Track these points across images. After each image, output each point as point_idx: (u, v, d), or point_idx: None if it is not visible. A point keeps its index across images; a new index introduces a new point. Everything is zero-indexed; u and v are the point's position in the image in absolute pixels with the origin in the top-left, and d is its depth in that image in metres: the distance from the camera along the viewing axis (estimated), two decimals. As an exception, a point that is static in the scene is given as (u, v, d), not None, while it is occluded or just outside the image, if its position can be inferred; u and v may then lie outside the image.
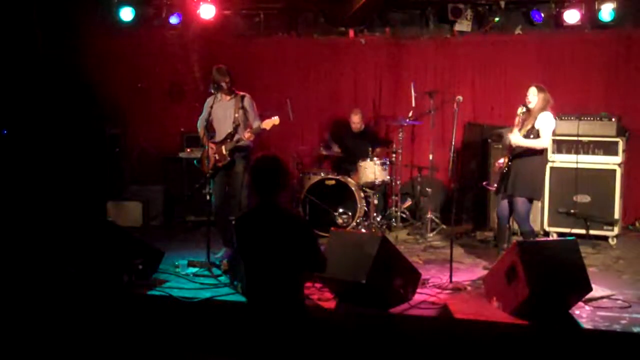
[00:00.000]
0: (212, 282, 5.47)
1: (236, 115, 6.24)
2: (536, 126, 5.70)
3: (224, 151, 6.24)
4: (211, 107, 6.23)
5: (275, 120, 6.17)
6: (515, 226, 6.13)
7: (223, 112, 6.29)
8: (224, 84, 6.20)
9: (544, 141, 5.70)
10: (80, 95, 8.29)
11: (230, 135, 6.24)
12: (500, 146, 7.03)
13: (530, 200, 5.80)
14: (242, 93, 6.35)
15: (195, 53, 8.76)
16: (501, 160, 6.00)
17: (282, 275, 3.60)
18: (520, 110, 5.76)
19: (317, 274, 4.96)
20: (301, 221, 3.74)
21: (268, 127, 6.19)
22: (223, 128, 6.31)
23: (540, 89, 5.77)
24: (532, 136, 5.70)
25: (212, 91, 6.22)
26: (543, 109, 5.73)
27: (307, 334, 3.62)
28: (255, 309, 3.64)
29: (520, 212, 5.74)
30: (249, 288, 3.74)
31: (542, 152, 5.83)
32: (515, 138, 5.70)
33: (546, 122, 5.70)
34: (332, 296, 5.01)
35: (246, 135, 6.19)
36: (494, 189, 6.09)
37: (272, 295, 3.59)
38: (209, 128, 6.32)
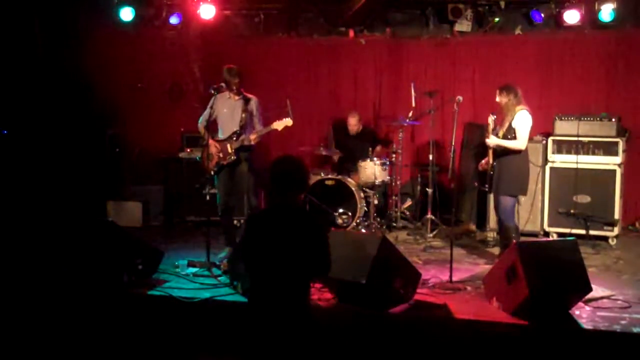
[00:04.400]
0: (212, 282, 5.47)
1: (243, 115, 6.29)
2: (513, 125, 5.78)
3: (229, 149, 6.26)
4: (213, 105, 6.27)
5: (288, 121, 6.25)
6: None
7: (230, 111, 6.32)
8: (233, 85, 6.25)
9: (519, 143, 5.80)
10: (80, 95, 8.29)
11: (236, 134, 6.27)
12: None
13: (515, 197, 5.94)
14: (250, 95, 6.40)
15: (195, 53, 8.77)
16: (483, 162, 6.10)
17: (292, 276, 3.57)
18: (491, 119, 5.89)
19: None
20: (317, 223, 3.71)
21: (279, 128, 6.27)
22: (228, 126, 6.33)
23: (502, 92, 5.87)
24: (509, 136, 5.79)
25: (212, 91, 6.23)
26: (517, 103, 5.82)
27: (312, 336, 3.61)
28: (260, 310, 3.62)
29: (505, 209, 5.87)
30: (254, 288, 3.71)
31: (521, 150, 5.93)
32: (492, 140, 5.83)
33: (522, 122, 5.79)
34: (332, 296, 5.01)
35: (252, 137, 6.24)
36: (484, 188, 6.15)
37: (280, 296, 3.56)
38: (210, 126, 6.32)
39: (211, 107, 6.27)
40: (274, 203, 3.73)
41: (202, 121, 6.39)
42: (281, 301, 3.55)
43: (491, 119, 5.88)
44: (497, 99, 5.90)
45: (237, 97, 6.35)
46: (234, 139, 6.27)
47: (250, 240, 3.71)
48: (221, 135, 6.38)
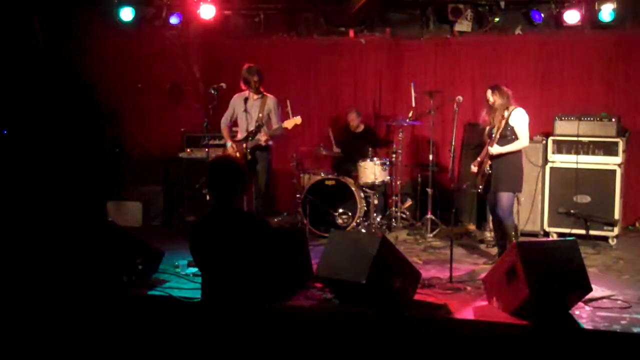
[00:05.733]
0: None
1: (260, 115, 6.32)
2: (511, 123, 5.81)
3: (244, 150, 6.29)
4: (235, 106, 6.41)
5: (297, 119, 6.30)
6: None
7: (248, 111, 6.36)
8: (252, 83, 6.28)
9: (523, 142, 5.86)
10: (81, 95, 8.30)
11: (252, 134, 6.29)
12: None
13: (514, 193, 5.98)
14: (269, 94, 6.43)
15: (195, 53, 8.78)
16: (474, 167, 6.12)
17: (241, 278, 3.47)
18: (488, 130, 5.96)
19: (316, 274, 4.97)
20: (261, 223, 3.60)
21: (290, 127, 6.30)
22: (246, 126, 6.38)
23: (494, 91, 5.91)
24: (508, 135, 5.81)
25: (212, 91, 6.25)
26: (507, 103, 5.86)
27: (264, 338, 3.52)
28: (213, 311, 3.54)
29: (504, 206, 5.88)
30: (206, 291, 3.61)
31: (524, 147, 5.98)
32: (496, 149, 5.83)
33: (520, 120, 5.82)
34: (332, 296, 5.01)
35: (262, 139, 6.26)
36: (478, 190, 6.16)
37: (230, 299, 3.47)
38: (232, 126, 6.49)
39: (234, 106, 6.38)
40: (215, 207, 3.61)
41: (224, 122, 6.48)
42: (231, 303, 3.47)
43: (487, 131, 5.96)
44: (490, 98, 5.90)
45: (255, 97, 6.39)
46: (250, 138, 6.29)
47: (195, 248, 3.59)
48: (240, 135, 6.44)
